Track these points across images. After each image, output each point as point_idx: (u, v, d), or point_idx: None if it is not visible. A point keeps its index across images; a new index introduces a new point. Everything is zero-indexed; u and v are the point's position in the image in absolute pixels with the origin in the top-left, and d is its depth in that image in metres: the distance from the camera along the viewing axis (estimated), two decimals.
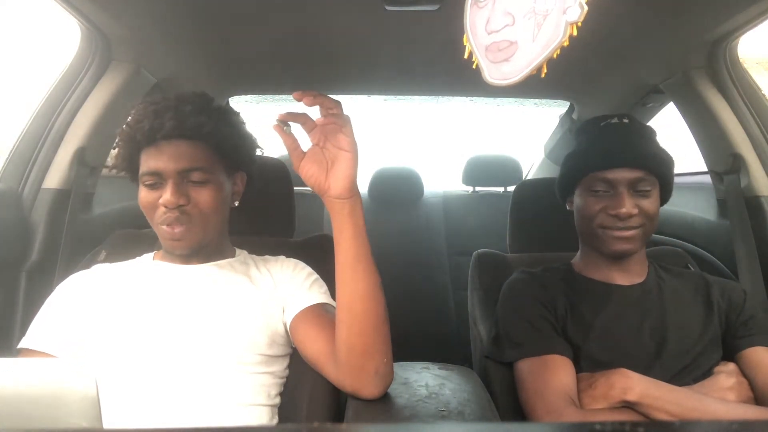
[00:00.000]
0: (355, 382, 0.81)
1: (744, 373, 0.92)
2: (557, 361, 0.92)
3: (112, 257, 1.08)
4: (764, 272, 1.21)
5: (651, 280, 1.01)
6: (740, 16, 1.07)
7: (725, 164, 1.32)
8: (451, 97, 1.95)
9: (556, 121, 2.23)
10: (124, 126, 0.90)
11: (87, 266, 0.98)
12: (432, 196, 2.57)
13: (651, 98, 1.61)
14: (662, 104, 1.66)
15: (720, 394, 0.87)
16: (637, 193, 0.95)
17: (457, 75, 1.55)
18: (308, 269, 0.99)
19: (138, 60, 1.29)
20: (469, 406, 0.84)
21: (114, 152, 0.95)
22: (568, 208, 1.07)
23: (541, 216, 1.28)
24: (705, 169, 1.44)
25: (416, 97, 1.98)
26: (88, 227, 1.30)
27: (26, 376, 0.39)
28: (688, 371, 0.91)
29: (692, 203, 1.56)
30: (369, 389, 0.81)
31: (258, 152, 1.03)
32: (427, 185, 2.55)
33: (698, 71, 1.30)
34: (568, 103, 2.03)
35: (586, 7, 0.46)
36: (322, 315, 0.89)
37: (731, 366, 0.92)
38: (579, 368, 0.93)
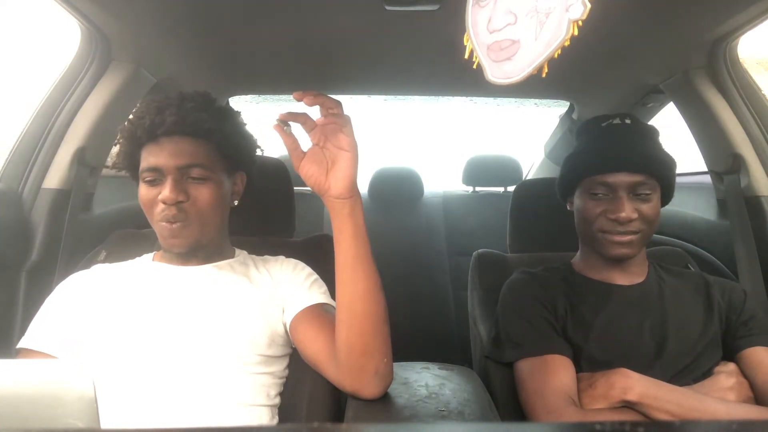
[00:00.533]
0: (355, 382, 0.81)
1: (744, 373, 0.91)
2: (557, 361, 0.92)
3: (112, 257, 1.08)
4: (764, 272, 1.21)
5: (651, 280, 1.01)
6: (740, 16, 1.07)
7: (725, 164, 1.32)
8: (451, 97, 1.95)
9: (556, 121, 2.23)
10: (125, 122, 0.90)
11: (87, 266, 0.98)
12: (432, 196, 2.57)
13: (651, 98, 1.61)
14: (662, 104, 1.66)
15: (720, 394, 0.87)
16: (637, 197, 0.95)
17: (457, 75, 1.55)
18: (308, 269, 0.99)
19: (138, 60, 1.29)
20: (469, 406, 0.84)
21: (115, 149, 0.95)
22: (568, 208, 1.07)
23: (541, 216, 1.28)
24: (705, 169, 1.44)
25: (416, 97, 1.98)
26: (88, 227, 1.30)
27: (24, 377, 0.39)
28: (688, 371, 0.91)
29: (692, 203, 1.56)
30: (369, 389, 0.81)
31: (258, 152, 1.03)
32: (427, 185, 2.56)
33: (698, 71, 1.30)
34: (568, 103, 2.03)
35: (588, 5, 0.46)
36: (321, 315, 0.89)
37: (731, 366, 0.92)
38: (579, 368, 0.93)
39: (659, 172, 0.95)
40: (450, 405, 0.83)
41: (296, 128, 0.78)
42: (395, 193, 2.50)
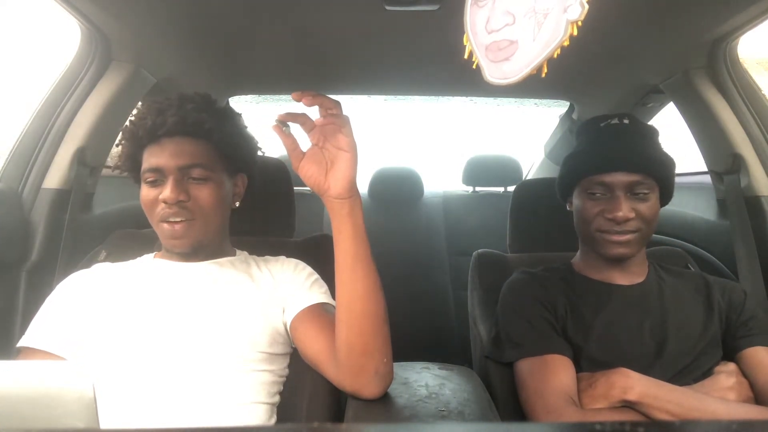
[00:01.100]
0: (355, 382, 0.81)
1: (744, 373, 0.92)
2: (557, 360, 0.92)
3: (112, 257, 1.08)
4: (764, 272, 1.21)
5: (651, 280, 1.01)
6: (740, 16, 1.07)
7: (725, 164, 1.32)
8: (451, 97, 1.95)
9: (556, 121, 2.23)
10: (126, 123, 0.90)
11: (87, 266, 0.98)
12: (432, 196, 2.57)
13: (651, 98, 1.61)
14: (662, 104, 1.66)
15: (720, 393, 0.87)
16: (635, 197, 0.95)
17: (457, 75, 1.55)
18: (309, 269, 1.00)
19: (138, 60, 1.29)
20: (469, 406, 0.84)
21: (116, 151, 0.96)
22: (568, 208, 1.07)
23: (541, 216, 1.28)
24: (705, 169, 1.44)
25: (416, 97, 1.98)
26: (88, 227, 1.30)
27: (23, 378, 0.39)
28: (688, 371, 0.91)
29: (692, 203, 1.56)
30: (369, 389, 0.81)
31: (258, 154, 1.03)
32: (427, 185, 2.56)
33: (698, 71, 1.30)
34: (568, 103, 2.03)
35: (586, 6, 0.46)
36: (322, 315, 0.90)
37: (731, 366, 0.92)
38: (579, 368, 0.93)
39: (657, 171, 0.95)
40: (450, 405, 0.83)
41: (295, 128, 0.78)
42: (395, 193, 2.50)
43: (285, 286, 0.95)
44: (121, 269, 0.95)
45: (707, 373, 0.92)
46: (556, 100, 2.00)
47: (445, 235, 2.45)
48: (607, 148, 0.97)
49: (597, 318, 0.96)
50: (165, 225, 0.87)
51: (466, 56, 0.57)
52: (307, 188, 0.81)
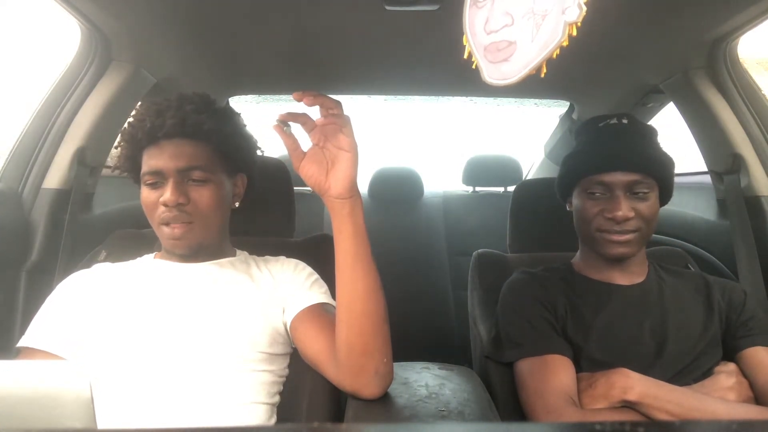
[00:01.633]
0: (355, 382, 0.81)
1: (744, 373, 0.92)
2: (557, 360, 0.92)
3: (112, 257, 1.08)
4: (764, 272, 1.21)
5: (651, 279, 1.01)
6: (740, 16, 1.07)
7: (725, 164, 1.32)
8: (451, 97, 1.95)
9: (556, 121, 2.23)
10: (125, 125, 0.90)
11: (87, 266, 0.98)
12: (432, 196, 2.57)
13: (651, 98, 1.61)
14: (662, 104, 1.66)
15: (720, 393, 0.87)
16: (634, 196, 0.95)
17: (457, 75, 1.55)
18: (309, 269, 1.00)
19: (138, 60, 1.29)
20: (469, 406, 0.84)
21: (116, 152, 0.96)
22: (568, 208, 1.07)
23: (541, 216, 1.28)
24: (705, 169, 1.44)
25: (416, 97, 1.98)
26: (88, 227, 1.30)
27: (20, 378, 0.39)
28: (688, 371, 0.91)
29: (692, 203, 1.56)
30: (369, 389, 0.81)
31: (258, 154, 1.03)
32: (427, 185, 2.56)
33: (698, 71, 1.30)
34: (568, 103, 2.03)
35: (584, 8, 0.46)
36: (322, 315, 0.90)
37: (731, 366, 0.92)
38: (579, 368, 0.93)
39: (656, 171, 0.95)
40: (450, 405, 0.83)
41: (296, 128, 0.78)
42: (395, 193, 2.50)
43: (285, 286, 0.95)
44: (121, 269, 0.95)
45: (707, 373, 0.92)
46: (556, 100, 2.00)
47: (445, 235, 2.45)
48: (606, 147, 0.97)
49: (597, 318, 0.97)
50: (165, 228, 0.87)
51: (465, 56, 0.57)
52: (308, 188, 0.81)
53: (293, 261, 1.01)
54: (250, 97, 1.94)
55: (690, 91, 1.33)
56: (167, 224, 0.87)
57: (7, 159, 1.21)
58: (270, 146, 1.08)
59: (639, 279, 1.01)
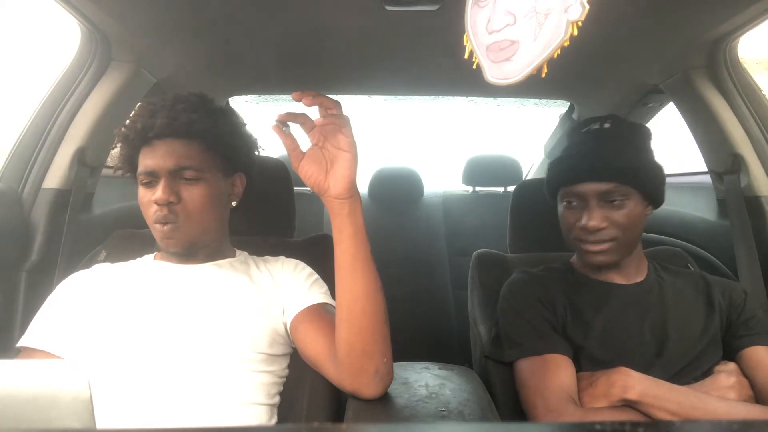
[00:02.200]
0: (355, 382, 0.81)
1: (744, 372, 0.92)
2: (557, 360, 0.92)
3: (112, 257, 1.08)
4: (764, 272, 1.21)
5: (651, 279, 1.01)
6: (740, 16, 1.07)
7: (725, 164, 1.32)
8: (451, 97, 1.95)
9: (556, 121, 2.23)
10: (121, 127, 0.90)
11: (87, 266, 0.98)
12: (432, 196, 2.57)
13: (651, 98, 1.61)
14: (662, 104, 1.67)
15: (720, 393, 0.87)
16: (610, 204, 0.94)
17: (457, 75, 1.55)
18: (309, 269, 1.00)
19: (138, 60, 1.29)
20: (469, 406, 0.84)
21: (116, 152, 0.96)
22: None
23: (541, 216, 1.28)
24: (705, 169, 1.44)
25: (416, 97, 1.98)
26: (88, 227, 1.30)
27: (19, 378, 0.39)
28: (688, 371, 0.91)
29: (692, 203, 1.56)
30: (369, 389, 0.81)
31: (258, 153, 1.03)
32: (427, 185, 2.56)
33: (698, 71, 1.30)
34: (568, 103, 2.03)
35: (587, 6, 0.46)
36: (322, 315, 0.90)
37: (731, 365, 0.92)
38: (579, 367, 0.93)
39: (630, 179, 0.93)
40: (450, 405, 0.83)
41: (295, 128, 0.78)
42: (395, 193, 2.50)
43: (285, 286, 0.95)
44: (121, 270, 0.95)
45: (707, 373, 0.92)
46: (556, 100, 2.00)
47: (445, 235, 2.46)
48: (579, 158, 0.97)
49: (597, 317, 0.97)
50: (157, 226, 0.88)
51: (466, 56, 0.57)
52: (307, 188, 0.81)
53: (293, 261, 1.01)
54: (250, 97, 1.94)
55: (690, 91, 1.34)
56: (159, 222, 0.88)
57: (7, 159, 1.21)
58: (270, 146, 1.08)
59: (638, 278, 1.01)
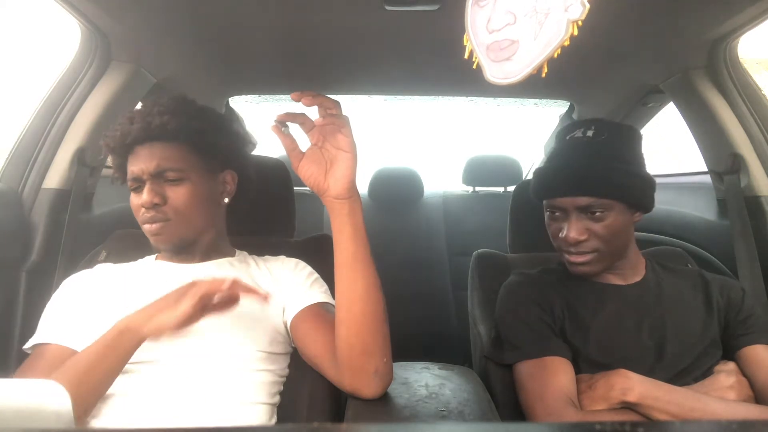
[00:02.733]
0: (355, 382, 0.81)
1: (744, 371, 0.91)
2: (556, 362, 0.91)
3: (112, 257, 1.08)
4: (764, 272, 1.21)
5: (649, 278, 1.01)
6: (740, 16, 1.07)
7: (725, 164, 1.31)
8: (451, 97, 1.95)
9: (556, 121, 2.23)
10: (105, 137, 0.92)
11: (87, 266, 0.98)
12: (432, 196, 2.57)
13: (651, 98, 1.61)
14: (662, 104, 1.66)
15: (720, 393, 0.87)
16: (591, 216, 0.92)
17: (457, 75, 1.55)
18: (309, 269, 1.00)
19: (138, 60, 1.29)
20: (469, 406, 0.84)
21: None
22: None
23: (541, 216, 1.27)
24: (705, 169, 1.44)
25: (416, 97, 1.98)
26: (88, 227, 1.30)
27: (0, 396, 0.39)
28: (688, 371, 0.91)
29: (692, 203, 1.56)
30: (369, 389, 0.81)
31: (252, 150, 1.03)
32: (427, 185, 2.55)
33: (698, 71, 1.30)
34: (568, 103, 2.03)
35: (587, 5, 0.46)
36: (322, 314, 0.90)
37: (731, 365, 0.92)
38: (578, 370, 0.93)
39: (608, 192, 0.91)
40: (450, 405, 0.83)
41: (295, 128, 0.78)
42: (395, 193, 2.50)
43: (285, 285, 0.95)
44: (122, 270, 0.96)
45: (707, 373, 0.91)
46: (556, 100, 2.00)
47: (445, 236, 2.45)
48: (558, 170, 0.96)
49: (595, 319, 0.96)
50: (145, 226, 0.90)
51: (466, 56, 0.57)
52: (307, 188, 0.81)
53: (293, 260, 1.01)
54: (250, 97, 1.94)
55: (690, 91, 1.33)
56: (146, 223, 0.89)
57: (7, 159, 1.21)
58: (270, 146, 1.08)
59: (636, 278, 1.01)
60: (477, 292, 1.20)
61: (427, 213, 2.52)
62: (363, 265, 0.78)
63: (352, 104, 2.07)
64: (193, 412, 0.79)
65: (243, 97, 1.91)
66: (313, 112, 0.76)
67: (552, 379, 0.89)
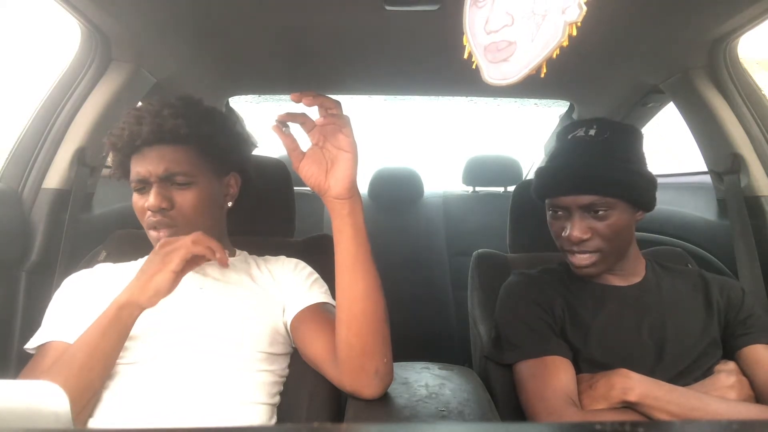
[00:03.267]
0: (355, 382, 0.81)
1: (744, 371, 0.91)
2: (556, 362, 0.92)
3: (112, 257, 1.08)
4: (764, 272, 1.21)
5: (649, 279, 1.01)
6: (740, 16, 1.07)
7: (725, 164, 1.32)
8: (451, 97, 1.95)
9: (556, 121, 2.23)
10: (109, 135, 0.91)
11: (87, 266, 0.98)
12: (432, 196, 2.57)
13: (651, 98, 1.61)
14: (662, 104, 1.66)
15: (720, 392, 0.87)
16: (594, 215, 0.92)
17: (457, 75, 1.55)
18: (309, 269, 1.00)
19: (138, 60, 1.29)
20: (469, 406, 0.84)
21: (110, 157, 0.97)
22: None
23: (541, 216, 1.27)
24: (705, 169, 1.44)
25: (416, 97, 1.98)
26: (88, 227, 1.30)
27: None
28: (689, 371, 0.91)
29: (692, 203, 1.56)
30: (369, 389, 0.81)
31: (255, 152, 1.03)
32: (427, 185, 2.56)
33: (698, 71, 1.30)
34: (568, 103, 2.03)
35: (584, 8, 0.46)
36: (322, 314, 0.90)
37: (731, 365, 0.92)
38: (578, 369, 0.93)
39: (612, 191, 0.91)
40: (450, 405, 0.83)
41: (295, 128, 0.78)
42: (395, 193, 2.50)
43: (285, 286, 0.95)
44: (122, 270, 0.95)
45: (708, 372, 0.91)
46: (556, 100, 2.00)
47: (445, 236, 2.45)
48: (560, 170, 0.96)
49: (595, 319, 0.96)
50: (152, 232, 0.89)
51: (465, 57, 0.57)
52: (307, 188, 0.81)
53: (293, 260, 1.01)
54: (250, 97, 1.94)
55: (690, 91, 1.33)
56: (153, 229, 0.88)
57: (7, 159, 1.21)
58: (270, 146, 1.08)
59: (636, 279, 1.01)
60: (477, 292, 1.20)
61: (427, 213, 2.52)
62: (363, 265, 0.78)
63: (352, 104, 2.07)
64: (194, 412, 0.79)
65: (243, 97, 1.91)
66: (313, 112, 0.76)
67: (552, 378, 0.89)
